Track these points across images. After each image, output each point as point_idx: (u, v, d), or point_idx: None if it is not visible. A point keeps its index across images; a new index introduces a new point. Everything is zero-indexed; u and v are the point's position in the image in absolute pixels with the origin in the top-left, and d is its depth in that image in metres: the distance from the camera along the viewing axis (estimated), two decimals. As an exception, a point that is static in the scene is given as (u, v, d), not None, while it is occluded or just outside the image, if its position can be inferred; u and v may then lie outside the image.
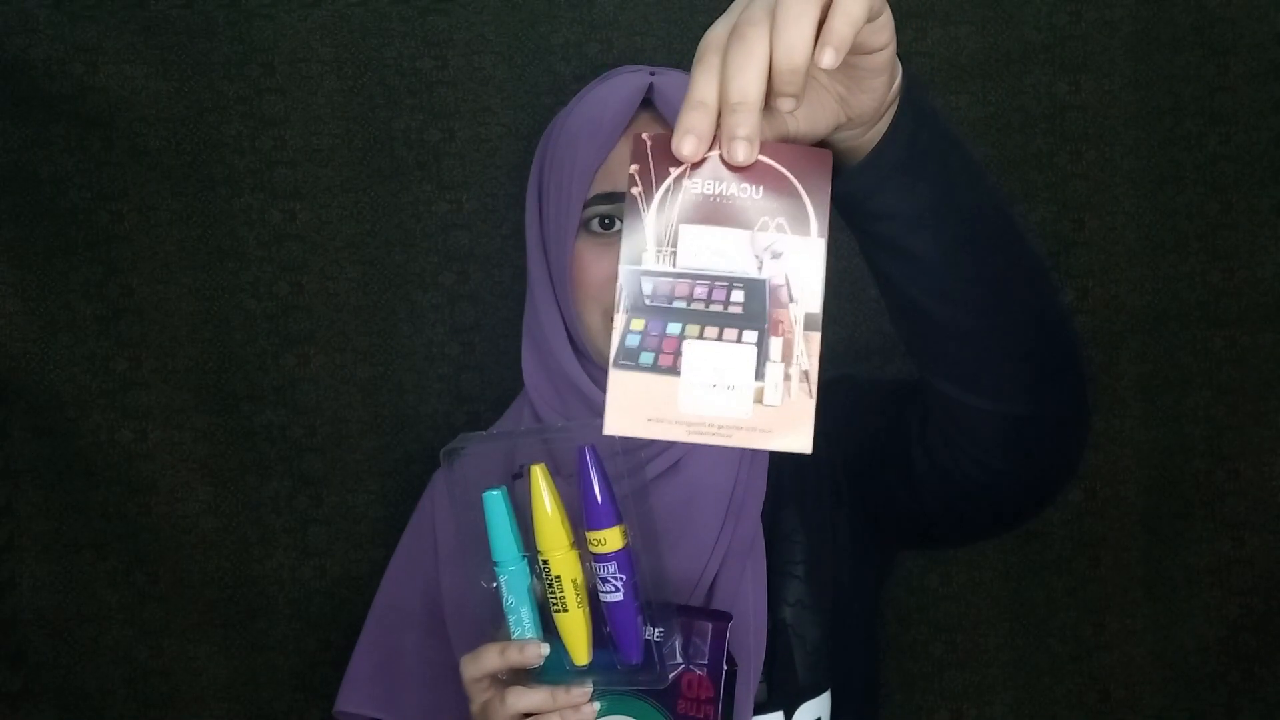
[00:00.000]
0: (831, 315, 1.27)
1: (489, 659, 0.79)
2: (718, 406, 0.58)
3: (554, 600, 0.77)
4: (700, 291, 0.58)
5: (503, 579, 0.78)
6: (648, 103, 0.91)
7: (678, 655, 0.79)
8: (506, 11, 1.20)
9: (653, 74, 0.92)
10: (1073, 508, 1.26)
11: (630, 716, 0.80)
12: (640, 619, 0.78)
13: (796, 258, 0.58)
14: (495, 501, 0.78)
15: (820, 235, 0.58)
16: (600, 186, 0.89)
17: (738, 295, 0.58)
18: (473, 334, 1.24)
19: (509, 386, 1.02)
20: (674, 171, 0.58)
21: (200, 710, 1.25)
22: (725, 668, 0.79)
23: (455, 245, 1.23)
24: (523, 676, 0.79)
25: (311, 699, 1.25)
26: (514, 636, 0.79)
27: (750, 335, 0.58)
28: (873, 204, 0.65)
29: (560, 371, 0.93)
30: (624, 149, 0.88)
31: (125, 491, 1.23)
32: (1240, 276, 1.25)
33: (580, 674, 0.79)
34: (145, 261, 1.22)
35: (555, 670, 0.79)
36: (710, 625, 0.80)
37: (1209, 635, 1.28)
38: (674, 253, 0.58)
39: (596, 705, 0.78)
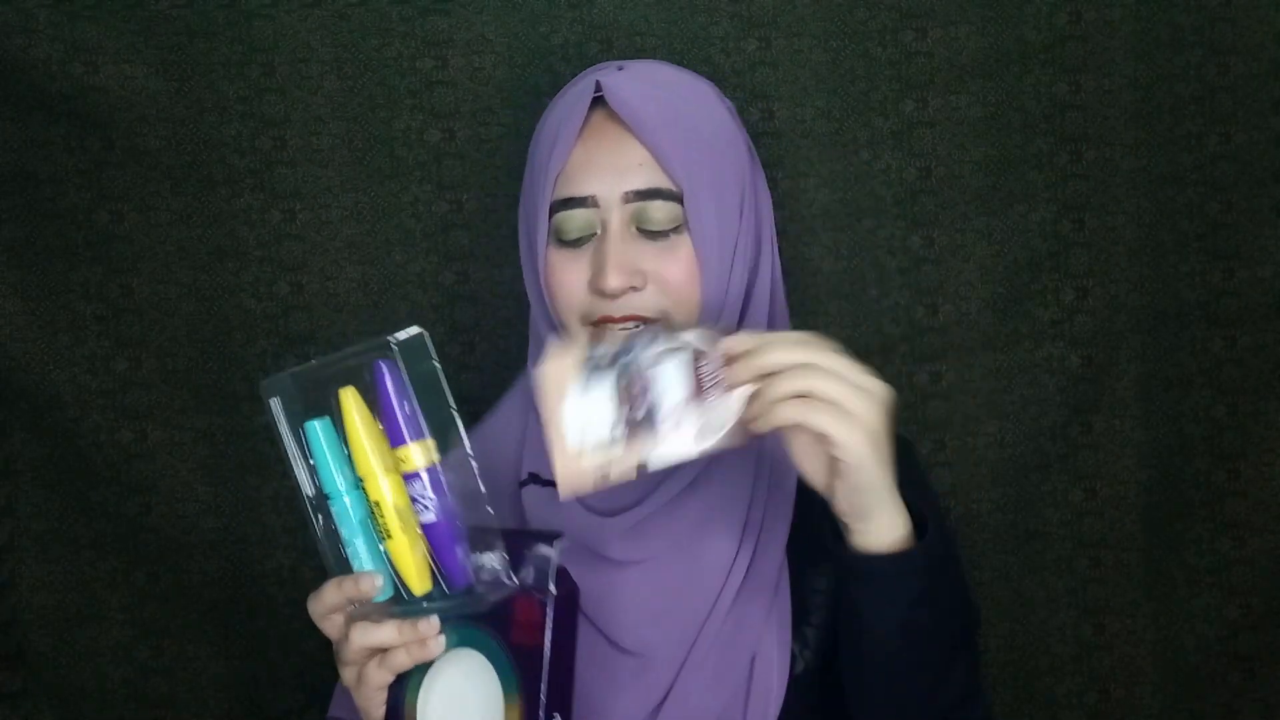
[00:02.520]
0: (831, 315, 1.27)
1: (328, 594, 0.76)
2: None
3: (380, 528, 0.74)
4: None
5: (334, 511, 0.75)
6: (602, 101, 0.89)
7: (508, 579, 0.73)
8: (506, 11, 1.20)
9: (620, 68, 0.91)
10: (1073, 508, 1.26)
11: (475, 649, 0.76)
12: (458, 539, 0.74)
13: None
14: (316, 432, 0.75)
15: None
16: (560, 192, 0.88)
17: None
18: (473, 334, 1.24)
19: (509, 386, 1.02)
20: None
21: (200, 710, 1.25)
22: (553, 590, 0.73)
23: (455, 245, 1.23)
24: (376, 611, 0.76)
25: (311, 699, 1.25)
26: (354, 569, 0.76)
27: None
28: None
29: None
30: (581, 153, 0.88)
31: (125, 491, 1.23)
32: (1240, 276, 1.25)
33: (416, 603, 0.75)
34: (145, 261, 1.22)
35: (411, 602, 0.76)
36: (539, 546, 0.74)
37: (1209, 635, 1.28)
38: None
39: (443, 639, 0.75)
